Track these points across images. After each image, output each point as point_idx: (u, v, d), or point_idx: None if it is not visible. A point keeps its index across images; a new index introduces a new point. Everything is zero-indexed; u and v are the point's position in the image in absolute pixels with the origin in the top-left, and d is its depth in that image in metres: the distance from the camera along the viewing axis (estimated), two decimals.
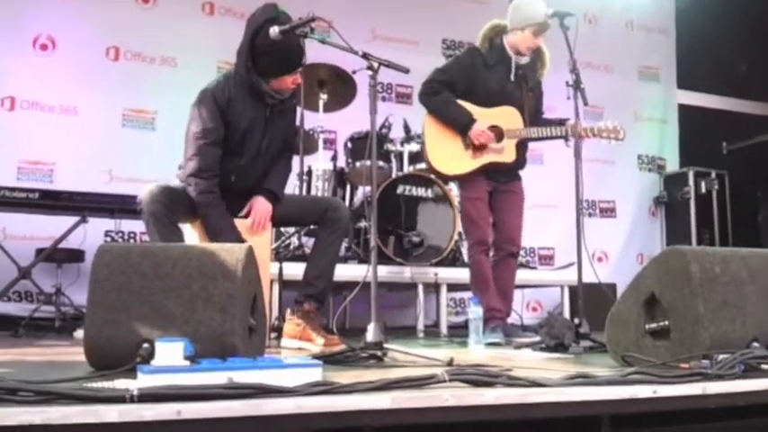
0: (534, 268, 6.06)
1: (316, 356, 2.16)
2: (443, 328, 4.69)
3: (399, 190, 4.72)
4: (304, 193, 4.87)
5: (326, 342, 3.24)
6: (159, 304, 2.05)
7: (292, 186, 4.24)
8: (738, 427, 2.04)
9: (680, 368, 2.06)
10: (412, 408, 1.63)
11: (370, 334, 2.55)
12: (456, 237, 4.77)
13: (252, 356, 1.89)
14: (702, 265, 2.23)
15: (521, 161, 4.02)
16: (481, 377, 1.81)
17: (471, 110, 3.88)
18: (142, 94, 5.76)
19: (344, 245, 4.56)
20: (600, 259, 6.82)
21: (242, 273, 2.10)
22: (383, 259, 4.41)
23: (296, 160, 3.96)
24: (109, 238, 5.31)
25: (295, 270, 3.71)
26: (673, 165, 7.58)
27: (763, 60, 7.39)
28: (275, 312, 3.77)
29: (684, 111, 7.72)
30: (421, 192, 4.78)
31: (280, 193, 3.44)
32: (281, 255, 4.32)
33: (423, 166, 4.76)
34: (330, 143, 5.75)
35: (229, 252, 2.14)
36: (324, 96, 5.01)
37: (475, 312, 3.51)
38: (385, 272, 4.38)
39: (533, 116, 4.02)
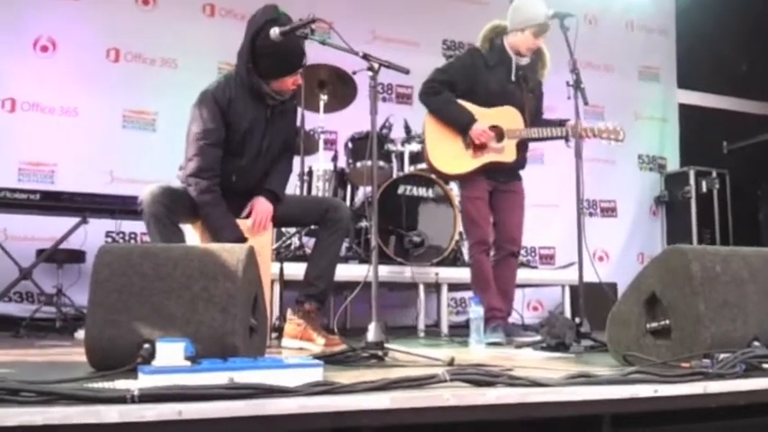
0: (535, 268, 6.06)
1: (316, 356, 2.16)
2: (444, 328, 4.69)
3: (400, 190, 4.72)
4: (305, 193, 4.87)
5: (327, 342, 3.24)
6: (160, 305, 2.05)
7: (293, 187, 4.25)
8: (739, 427, 2.04)
9: (681, 367, 2.06)
10: (413, 408, 1.63)
11: (371, 334, 2.56)
12: (457, 237, 4.77)
13: (253, 356, 1.90)
14: (703, 265, 2.23)
15: (521, 161, 4.02)
16: (482, 377, 1.81)
17: (472, 110, 3.89)
18: (143, 96, 5.76)
19: (345, 245, 4.56)
20: (601, 258, 6.82)
21: (243, 273, 2.10)
22: (384, 259, 4.41)
23: (296, 161, 3.96)
24: (110, 239, 5.32)
25: (296, 270, 3.71)
26: (673, 164, 7.58)
27: (764, 60, 7.39)
28: (276, 312, 3.78)
29: (685, 110, 7.72)
30: (422, 192, 4.78)
31: (281, 193, 3.45)
32: (281, 255, 4.33)
33: (423, 166, 4.75)
34: (331, 144, 5.76)
35: (230, 252, 2.15)
36: (324, 97, 5.01)
37: (476, 312, 3.51)
38: (386, 272, 4.38)
39: (534, 117, 4.02)
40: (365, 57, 2.86)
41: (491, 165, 3.91)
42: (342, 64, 4.65)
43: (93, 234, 4.79)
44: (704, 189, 7.05)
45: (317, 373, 1.77)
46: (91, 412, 1.39)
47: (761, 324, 2.27)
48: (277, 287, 3.90)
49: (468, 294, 5.69)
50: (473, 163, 3.91)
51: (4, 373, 1.95)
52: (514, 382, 1.81)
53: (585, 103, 3.49)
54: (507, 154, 3.92)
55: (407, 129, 5.14)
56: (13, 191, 4.54)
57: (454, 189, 4.76)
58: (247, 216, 3.32)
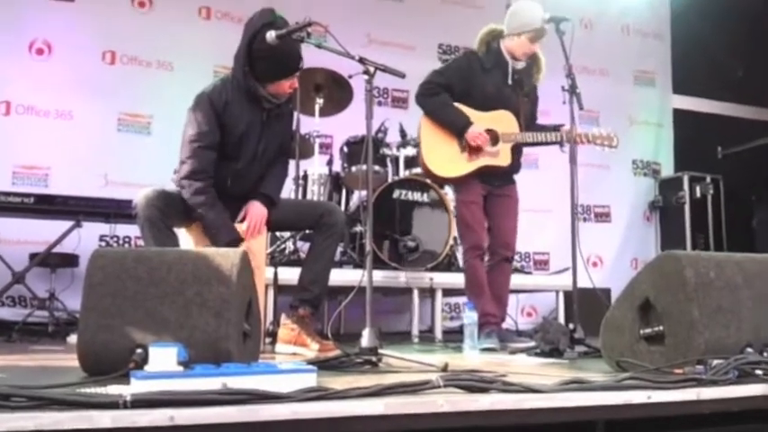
0: (529, 273, 6.06)
1: (310, 362, 2.16)
2: (438, 334, 4.69)
3: (395, 194, 4.73)
4: (300, 197, 4.86)
5: (321, 347, 3.24)
6: (154, 309, 2.05)
7: (288, 191, 4.24)
8: None
9: (674, 373, 2.07)
10: (406, 413, 1.62)
11: (365, 339, 2.55)
12: (451, 242, 4.77)
13: (246, 362, 1.89)
14: (697, 270, 2.23)
15: (515, 165, 4.03)
16: (476, 383, 1.81)
17: (468, 113, 3.89)
18: (138, 99, 5.75)
19: (340, 249, 4.55)
20: (594, 264, 6.82)
21: (237, 278, 2.09)
22: (378, 264, 4.40)
23: (292, 164, 3.96)
24: (104, 243, 5.30)
25: (290, 275, 3.70)
26: (667, 169, 7.60)
27: (759, 65, 7.42)
28: (270, 317, 3.77)
29: (679, 115, 7.73)
30: (417, 196, 4.79)
31: (275, 197, 3.44)
32: (276, 259, 4.32)
33: (418, 170, 4.75)
34: (326, 147, 5.75)
35: (224, 257, 2.14)
36: (320, 101, 5.01)
37: (470, 317, 3.51)
38: (380, 277, 4.38)
39: (528, 121, 4.03)
40: (361, 60, 2.87)
41: (486, 168, 3.91)
42: (338, 68, 4.64)
43: (86, 238, 4.77)
44: (698, 194, 7.06)
45: (310, 379, 1.76)
46: (83, 418, 1.38)
47: (755, 330, 2.27)
48: (271, 292, 3.90)
49: (462, 300, 5.69)
50: (468, 166, 3.91)
51: None
52: (508, 388, 1.80)
53: (581, 108, 3.51)
54: (502, 158, 3.92)
55: (403, 133, 5.14)
56: (7, 194, 4.54)
57: (449, 194, 4.76)
58: (242, 220, 3.31)
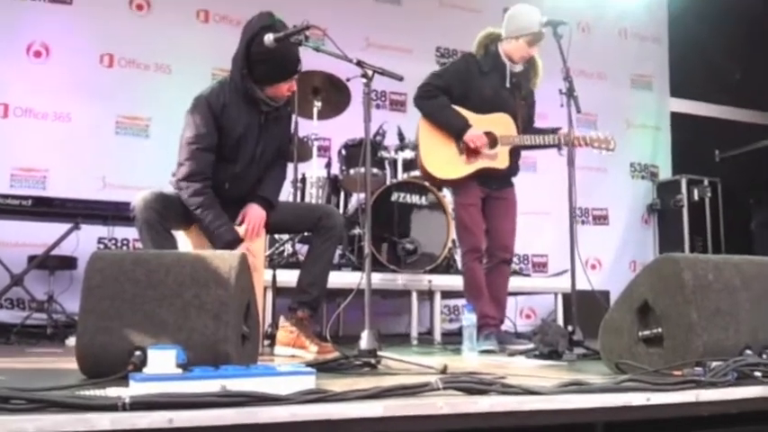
0: (528, 275, 6.06)
1: (309, 364, 2.15)
2: (437, 336, 4.69)
3: (393, 197, 4.73)
4: (298, 200, 4.86)
5: (320, 350, 3.24)
6: (152, 312, 2.04)
7: (286, 193, 4.24)
8: None
9: (673, 375, 2.06)
10: (406, 416, 1.62)
11: (364, 341, 2.55)
12: (450, 244, 4.77)
13: (245, 364, 1.89)
14: (695, 273, 2.23)
15: (513, 168, 4.03)
16: (475, 385, 1.81)
17: (466, 116, 3.89)
18: (136, 102, 5.75)
19: (338, 252, 4.55)
20: (593, 266, 6.84)
21: (235, 280, 2.09)
22: (377, 266, 4.41)
23: (290, 167, 3.96)
24: (102, 246, 5.30)
25: (289, 277, 3.70)
26: (665, 172, 7.61)
27: (756, 68, 7.44)
28: (268, 320, 3.76)
29: (677, 118, 7.75)
30: (415, 199, 4.79)
31: (274, 200, 3.44)
32: (274, 262, 4.32)
33: (417, 173, 4.76)
34: (324, 150, 5.75)
35: (223, 259, 2.14)
36: (318, 104, 5.01)
37: (468, 320, 3.51)
38: (379, 279, 4.38)
39: (526, 124, 4.03)
40: (359, 64, 2.87)
41: (484, 171, 3.91)
42: (336, 71, 4.65)
43: (85, 240, 4.77)
44: (696, 197, 7.08)
45: (309, 381, 1.76)
46: (82, 420, 1.38)
47: (753, 332, 2.27)
48: (270, 294, 3.89)
49: (461, 302, 5.70)
50: (466, 169, 3.91)
51: None
52: (507, 390, 1.80)
53: (578, 111, 3.51)
54: (500, 160, 3.93)
55: (401, 136, 5.15)
56: (5, 197, 4.53)
57: (447, 196, 4.76)
58: (240, 223, 3.31)
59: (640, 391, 1.86)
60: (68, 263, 4.90)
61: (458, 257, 4.79)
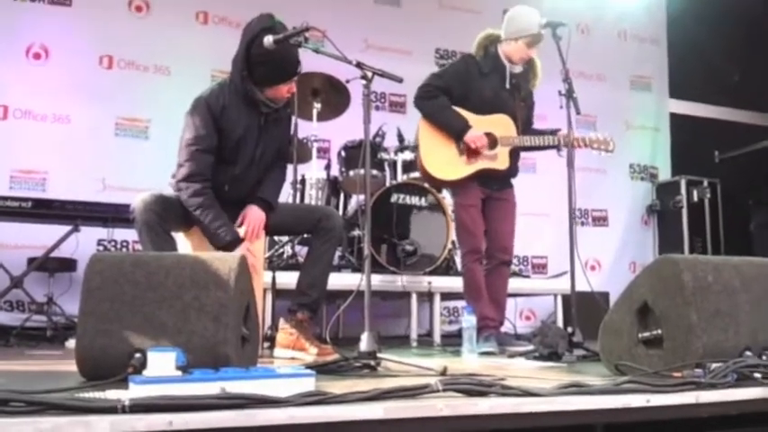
0: (527, 277, 6.07)
1: (309, 366, 2.15)
2: (437, 337, 4.69)
3: (393, 199, 4.73)
4: (298, 201, 4.86)
5: (320, 351, 3.24)
6: (152, 314, 2.04)
7: (286, 195, 4.24)
8: None
9: (673, 377, 2.07)
10: (406, 418, 1.62)
11: (364, 343, 2.55)
12: (449, 245, 4.77)
13: (244, 366, 1.89)
14: (695, 274, 2.23)
15: (513, 169, 4.03)
16: (475, 386, 1.81)
17: (466, 116, 3.90)
18: (135, 103, 5.75)
19: (338, 254, 4.55)
20: (593, 268, 6.84)
21: (235, 282, 2.09)
22: (377, 268, 4.41)
23: (289, 169, 3.96)
24: (101, 247, 5.30)
25: (288, 279, 3.70)
26: (665, 173, 7.62)
27: (755, 69, 7.44)
28: (268, 322, 3.76)
29: (676, 120, 7.76)
30: (414, 200, 4.79)
31: (273, 201, 3.44)
32: (274, 264, 4.32)
33: (416, 174, 4.77)
34: (324, 152, 5.76)
35: (222, 261, 2.14)
36: (317, 105, 5.01)
37: (468, 321, 3.50)
38: (378, 281, 4.38)
39: (525, 126, 4.04)
40: (358, 65, 2.87)
41: (484, 172, 3.91)
42: (335, 72, 4.65)
43: (84, 242, 4.77)
44: (695, 198, 7.08)
45: (309, 383, 1.76)
46: (81, 423, 1.38)
47: (753, 333, 2.27)
48: (269, 296, 3.89)
49: (460, 303, 5.70)
50: (467, 169, 3.91)
51: None
52: (507, 391, 1.80)
53: (578, 113, 3.51)
54: (500, 161, 3.93)
55: (400, 137, 5.15)
56: (5, 198, 4.53)
57: (447, 198, 4.76)
58: (240, 225, 3.31)
59: (640, 393, 1.86)
60: (68, 265, 4.90)
61: (457, 259, 4.80)
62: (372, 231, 2.89)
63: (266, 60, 3.14)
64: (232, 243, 3.12)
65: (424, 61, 6.52)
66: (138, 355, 1.91)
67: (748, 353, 2.21)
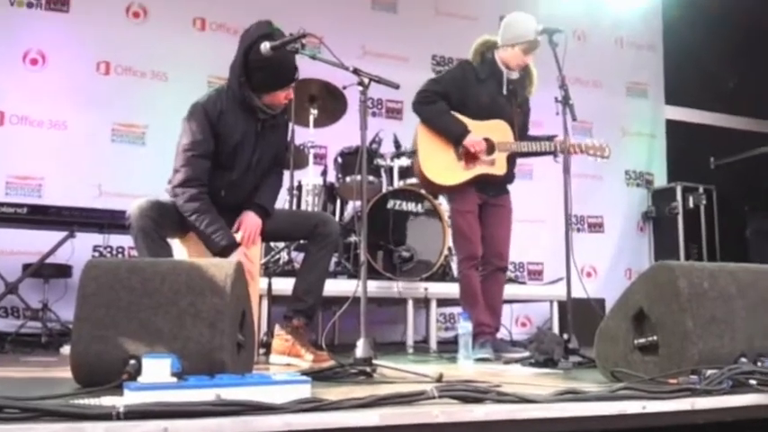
0: (523, 283, 6.06)
1: (304, 372, 2.15)
2: (433, 344, 4.68)
3: (389, 205, 4.73)
4: (294, 207, 4.86)
5: (315, 358, 3.23)
6: (147, 320, 2.04)
7: (282, 201, 4.24)
8: None
9: (669, 383, 2.07)
10: (402, 424, 1.62)
11: (360, 350, 2.55)
12: (446, 252, 4.77)
13: (240, 373, 1.89)
14: (691, 281, 2.24)
15: (510, 175, 4.04)
16: (471, 393, 1.81)
17: (464, 122, 3.90)
18: (132, 109, 5.75)
19: (334, 260, 4.55)
20: (588, 274, 6.84)
21: (231, 288, 2.09)
22: (373, 274, 4.39)
23: (286, 175, 3.96)
24: (97, 254, 5.28)
25: (284, 285, 3.70)
26: (660, 180, 7.63)
27: (751, 76, 7.47)
28: (264, 328, 3.76)
29: (672, 126, 7.78)
30: (411, 207, 4.79)
31: (270, 207, 3.44)
32: (270, 270, 4.32)
33: (413, 180, 4.77)
34: (320, 158, 5.76)
35: (218, 267, 2.14)
36: (314, 111, 5.02)
37: (464, 328, 3.50)
38: (374, 287, 4.37)
39: (521, 132, 4.05)
40: (355, 71, 2.88)
41: (482, 177, 3.92)
42: (332, 79, 4.66)
43: (80, 248, 4.76)
44: (691, 205, 7.09)
45: (304, 390, 1.76)
46: (76, 429, 1.38)
47: (748, 340, 2.28)
48: (265, 302, 3.88)
49: (456, 310, 5.68)
50: (465, 174, 3.92)
51: None
52: (503, 398, 1.80)
53: (574, 119, 3.51)
54: (498, 167, 3.94)
55: (397, 144, 5.15)
56: (0, 204, 4.51)
57: (443, 204, 4.77)
58: (236, 231, 3.30)
59: (636, 399, 1.87)
60: (63, 271, 4.89)
61: (454, 265, 4.80)
62: (369, 237, 2.88)
63: (264, 67, 3.14)
64: (228, 248, 3.12)
65: (421, 67, 6.54)
66: (133, 361, 1.91)
67: (744, 359, 2.22)
